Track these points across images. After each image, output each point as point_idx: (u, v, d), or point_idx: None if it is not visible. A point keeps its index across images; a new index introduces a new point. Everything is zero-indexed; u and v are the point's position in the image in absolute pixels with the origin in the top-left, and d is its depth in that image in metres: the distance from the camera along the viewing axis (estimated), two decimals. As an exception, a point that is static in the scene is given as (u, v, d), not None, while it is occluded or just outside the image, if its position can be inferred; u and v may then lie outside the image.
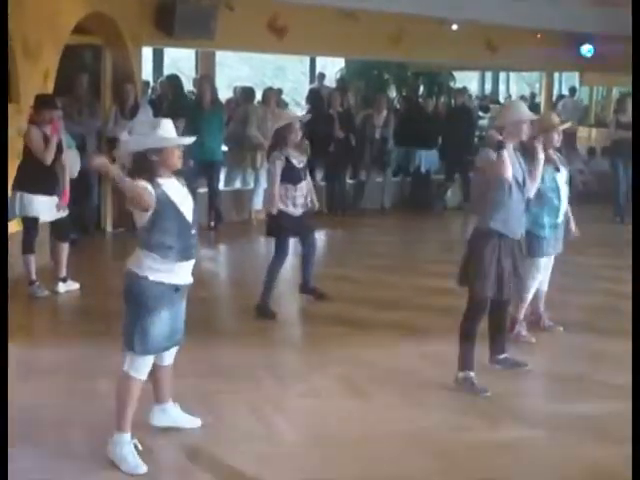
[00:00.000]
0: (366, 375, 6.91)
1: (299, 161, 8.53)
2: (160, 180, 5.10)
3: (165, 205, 5.08)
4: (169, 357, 5.51)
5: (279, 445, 5.63)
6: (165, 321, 5.20)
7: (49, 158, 8.70)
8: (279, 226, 8.53)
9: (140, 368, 5.23)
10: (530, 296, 7.78)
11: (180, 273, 5.23)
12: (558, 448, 5.69)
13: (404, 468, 5.35)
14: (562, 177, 7.68)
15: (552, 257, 7.87)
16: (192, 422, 5.76)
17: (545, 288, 8.00)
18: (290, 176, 8.43)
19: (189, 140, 5.30)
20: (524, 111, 6.59)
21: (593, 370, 7.19)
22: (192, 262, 5.31)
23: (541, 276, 7.75)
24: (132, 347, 5.18)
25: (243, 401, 6.31)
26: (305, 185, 8.61)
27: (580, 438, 5.83)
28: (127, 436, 5.22)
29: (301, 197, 8.54)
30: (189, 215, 5.23)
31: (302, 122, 8.76)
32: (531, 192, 6.78)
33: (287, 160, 8.39)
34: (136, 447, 5.22)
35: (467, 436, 5.81)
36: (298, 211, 8.53)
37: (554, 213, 7.63)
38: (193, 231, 5.28)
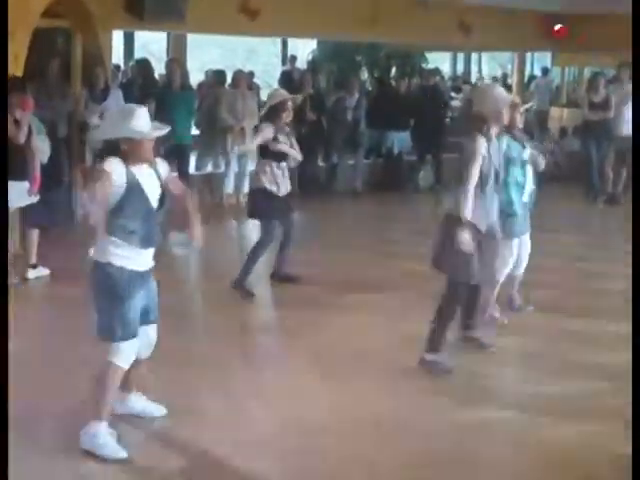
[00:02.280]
0: (338, 358, 6.93)
1: (284, 141, 8.52)
2: (130, 165, 5.07)
3: (133, 188, 5.05)
4: (148, 349, 5.48)
5: (252, 430, 5.63)
6: (138, 303, 5.19)
7: (22, 138, 8.66)
8: (263, 206, 8.51)
9: (123, 356, 5.21)
10: (502, 278, 7.79)
11: (140, 260, 5.20)
12: (529, 428, 5.73)
13: (376, 449, 5.38)
14: (527, 154, 7.68)
15: (527, 239, 7.88)
16: (157, 410, 5.74)
17: (520, 271, 7.99)
18: (275, 154, 8.43)
19: (162, 132, 5.24)
20: (502, 95, 6.57)
21: (564, 350, 7.23)
22: (152, 250, 5.28)
23: (513, 259, 7.74)
24: (113, 337, 5.15)
25: (215, 386, 6.32)
26: (288, 165, 8.63)
27: (551, 418, 5.88)
28: (105, 424, 5.22)
29: (283, 177, 8.54)
30: (155, 202, 5.21)
31: (294, 103, 8.76)
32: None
33: (275, 137, 8.40)
34: (111, 434, 5.24)
35: (438, 417, 5.85)
36: (281, 191, 8.52)
37: (520, 190, 7.62)
38: (158, 219, 5.26)
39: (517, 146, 7.50)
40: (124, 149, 5.03)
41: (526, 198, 7.69)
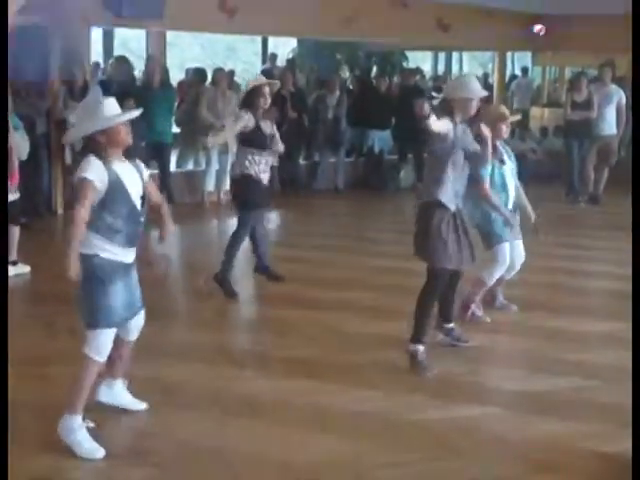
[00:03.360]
0: (319, 356, 6.89)
1: (266, 127, 8.39)
2: (112, 162, 5.04)
3: (116, 187, 5.04)
4: (135, 331, 5.47)
5: (234, 426, 5.59)
6: (122, 292, 5.18)
7: None
8: (247, 193, 8.40)
9: (100, 349, 5.17)
10: (490, 284, 7.77)
11: (125, 253, 5.20)
12: (512, 425, 5.71)
13: (358, 447, 5.33)
14: (508, 169, 7.65)
15: (519, 245, 7.85)
16: (137, 405, 5.72)
17: (510, 275, 7.96)
18: (257, 141, 8.32)
19: (132, 115, 5.21)
20: (475, 88, 6.51)
21: (546, 348, 7.22)
22: (134, 248, 5.27)
23: (504, 265, 7.69)
24: (96, 324, 5.12)
25: (196, 383, 6.28)
26: (269, 155, 8.48)
27: (534, 415, 5.87)
28: (79, 418, 5.17)
29: (264, 165, 8.42)
30: (137, 198, 5.17)
31: (272, 89, 8.63)
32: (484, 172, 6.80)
33: (256, 125, 8.28)
34: (88, 429, 5.19)
35: (420, 415, 5.81)
36: (262, 179, 8.42)
37: (503, 197, 7.58)
38: (141, 218, 5.23)
39: (496, 164, 7.46)
40: (102, 141, 5.02)
41: (510, 205, 7.65)
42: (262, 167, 8.40)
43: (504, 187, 7.59)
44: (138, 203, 5.18)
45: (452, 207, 6.48)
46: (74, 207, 5.06)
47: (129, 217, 5.13)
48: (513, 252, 7.72)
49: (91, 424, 5.24)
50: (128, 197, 5.11)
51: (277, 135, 8.58)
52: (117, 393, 5.67)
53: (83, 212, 4.97)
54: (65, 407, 5.18)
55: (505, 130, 7.57)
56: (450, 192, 6.43)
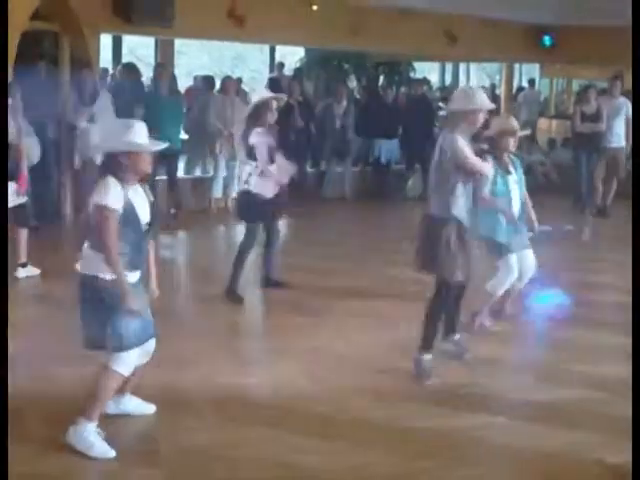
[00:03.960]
0: (324, 363, 6.90)
1: (270, 142, 8.39)
2: (127, 187, 5.07)
3: (128, 214, 5.07)
4: (146, 357, 5.46)
5: (240, 432, 5.60)
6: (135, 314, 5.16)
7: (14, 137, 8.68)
8: (249, 208, 8.43)
9: (124, 363, 5.20)
10: (498, 294, 7.76)
11: (128, 274, 5.18)
12: (518, 435, 5.71)
13: (365, 456, 5.34)
14: (513, 179, 7.64)
15: (529, 255, 7.85)
16: (146, 408, 5.74)
17: (521, 286, 7.94)
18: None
19: (160, 147, 5.25)
20: (482, 99, 6.48)
21: (554, 358, 7.22)
22: (139, 272, 5.28)
23: (512, 276, 7.70)
24: (113, 348, 5.15)
25: (202, 389, 6.28)
26: (275, 168, 8.45)
27: (540, 425, 5.86)
28: (94, 425, 5.20)
29: (270, 179, 8.40)
30: (145, 224, 5.19)
31: (279, 104, 8.63)
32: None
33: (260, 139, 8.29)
34: (98, 433, 5.22)
35: (427, 424, 5.81)
36: (268, 194, 8.41)
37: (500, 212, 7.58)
38: (146, 244, 5.27)
39: (501, 174, 7.47)
40: (124, 164, 5.05)
41: (515, 214, 7.65)
42: (266, 181, 8.38)
43: (507, 197, 7.57)
44: (144, 229, 5.21)
45: (466, 222, 6.48)
46: (101, 239, 5.03)
47: (135, 242, 5.15)
48: (523, 262, 7.69)
49: (101, 432, 5.25)
50: (138, 223, 5.15)
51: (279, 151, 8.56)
52: (125, 403, 5.67)
53: (112, 239, 4.99)
54: (81, 414, 5.20)
55: (513, 144, 7.57)
56: (463, 207, 6.45)
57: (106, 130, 5.26)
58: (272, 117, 8.37)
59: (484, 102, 6.49)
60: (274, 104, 8.39)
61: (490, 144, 7.06)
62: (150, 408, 5.76)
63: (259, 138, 8.30)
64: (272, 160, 8.42)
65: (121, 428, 5.54)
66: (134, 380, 5.58)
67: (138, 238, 5.16)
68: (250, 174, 8.36)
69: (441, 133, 6.63)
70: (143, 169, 5.14)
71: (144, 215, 5.19)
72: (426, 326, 6.65)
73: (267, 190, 8.43)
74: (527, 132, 8.58)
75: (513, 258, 7.62)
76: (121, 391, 5.57)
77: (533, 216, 7.80)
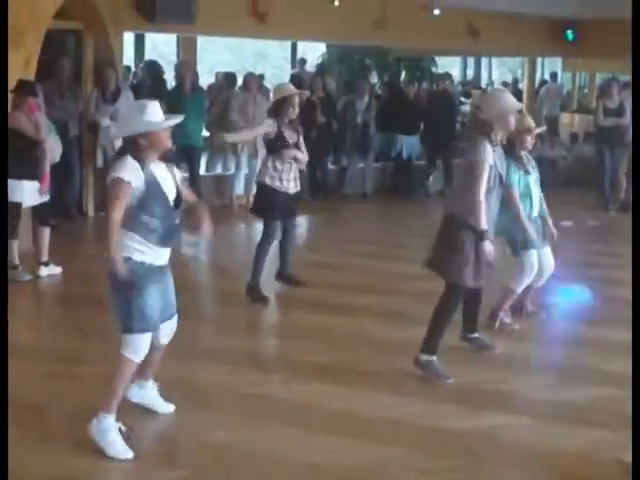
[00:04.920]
0: (346, 362, 6.91)
1: (289, 137, 8.38)
2: (148, 164, 5.13)
3: (152, 186, 5.12)
4: (168, 335, 5.51)
5: (260, 430, 5.62)
6: (156, 296, 5.23)
7: (43, 136, 8.79)
8: (266, 203, 8.42)
9: (137, 350, 5.24)
10: (518, 291, 7.77)
11: (158, 255, 5.25)
12: (541, 434, 5.70)
13: (385, 453, 5.35)
14: (533, 179, 7.65)
15: (548, 253, 7.85)
16: (165, 407, 5.77)
17: (539, 284, 7.97)
18: (280, 150, 8.32)
19: (175, 121, 5.30)
20: (510, 101, 6.51)
21: (577, 356, 7.20)
22: (169, 249, 5.32)
23: (532, 272, 7.70)
24: (130, 329, 5.20)
25: (223, 386, 6.32)
26: (294, 165, 8.45)
27: (563, 424, 5.85)
28: (112, 418, 5.23)
29: (288, 175, 8.42)
30: (172, 200, 5.24)
31: (301, 99, 8.64)
32: None
33: (280, 133, 8.29)
34: (120, 430, 5.24)
35: (448, 422, 5.81)
36: (285, 188, 8.40)
37: (527, 215, 7.58)
38: (176, 220, 5.29)
39: (521, 174, 7.48)
40: (142, 143, 5.10)
41: (535, 213, 7.66)
42: (284, 176, 8.40)
43: (529, 196, 7.58)
44: (173, 205, 5.24)
45: (485, 228, 6.43)
46: (106, 207, 5.13)
47: (165, 217, 5.19)
48: (541, 259, 7.72)
49: (123, 427, 5.27)
50: (165, 197, 5.19)
51: (302, 144, 8.56)
52: (147, 394, 5.72)
53: (117, 212, 5.03)
54: (99, 406, 5.23)
55: (530, 141, 7.57)
56: (485, 215, 6.43)
57: (121, 116, 5.30)
58: (293, 112, 8.38)
59: (514, 103, 6.54)
60: (297, 100, 8.41)
61: (508, 144, 7.06)
62: (169, 407, 5.79)
63: (269, 123, 8.34)
64: (291, 155, 8.42)
65: (140, 426, 5.56)
66: (156, 362, 5.59)
67: (167, 213, 5.20)
68: (272, 168, 8.36)
69: (472, 138, 6.64)
70: (163, 145, 5.20)
71: (170, 190, 5.24)
72: (431, 327, 6.62)
73: (287, 185, 8.44)
74: (543, 129, 8.55)
75: (534, 254, 7.62)
76: (144, 376, 5.62)
77: (549, 219, 7.81)
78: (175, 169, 5.42)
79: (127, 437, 5.23)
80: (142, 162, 5.11)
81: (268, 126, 8.32)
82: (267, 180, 8.37)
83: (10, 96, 8.82)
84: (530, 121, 7.67)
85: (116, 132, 5.35)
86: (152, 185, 5.11)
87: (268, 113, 8.62)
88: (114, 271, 5.07)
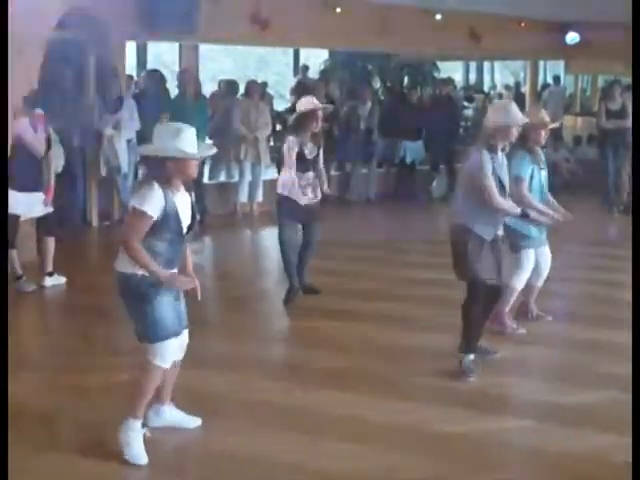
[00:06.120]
0: (354, 368, 6.90)
1: (310, 152, 8.39)
2: (172, 191, 5.10)
3: (170, 216, 5.10)
4: (181, 351, 5.48)
5: (268, 437, 5.61)
6: (168, 304, 5.23)
7: (42, 150, 8.78)
8: (283, 212, 8.45)
9: (164, 355, 5.24)
10: (519, 289, 7.77)
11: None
12: (546, 438, 5.68)
13: (392, 459, 5.34)
14: (544, 175, 7.68)
15: (546, 251, 7.87)
16: (192, 422, 5.70)
17: (540, 283, 7.98)
18: (298, 165, 8.32)
19: (209, 153, 5.29)
20: (515, 114, 6.58)
21: (582, 360, 7.19)
22: (174, 269, 5.30)
23: (530, 269, 7.72)
24: (149, 340, 5.21)
25: (231, 394, 6.31)
26: (312, 175, 8.45)
27: (569, 428, 5.83)
28: (139, 423, 5.25)
29: (307, 186, 8.41)
30: (185, 226, 5.24)
31: (325, 114, 8.61)
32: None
33: (300, 148, 8.30)
34: (144, 437, 5.25)
35: (455, 427, 5.79)
36: (304, 200, 8.41)
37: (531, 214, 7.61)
38: (183, 245, 5.31)
39: (537, 169, 7.50)
40: (171, 169, 5.06)
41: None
42: (303, 189, 8.40)
43: (541, 193, 7.59)
44: (185, 231, 5.25)
45: (488, 237, 6.54)
46: (125, 231, 5.13)
47: (172, 242, 5.18)
48: (540, 258, 7.75)
49: (148, 433, 5.28)
50: (179, 224, 5.17)
51: (321, 157, 8.56)
52: (166, 416, 5.63)
53: (135, 243, 5.03)
54: (127, 411, 5.24)
55: (544, 136, 7.58)
56: (487, 221, 6.53)
57: (156, 133, 5.25)
58: (317, 126, 8.38)
59: (518, 117, 6.60)
60: (320, 114, 8.39)
61: (522, 138, 7.07)
62: (195, 421, 5.71)
63: (291, 146, 8.32)
64: (308, 169, 8.42)
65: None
66: (170, 383, 5.56)
67: (176, 239, 5.20)
68: (287, 180, 8.37)
69: (474, 147, 6.70)
70: (190, 174, 5.18)
71: (186, 218, 5.23)
72: (464, 326, 6.70)
73: (307, 196, 8.45)
74: (557, 124, 8.55)
75: (532, 253, 7.67)
76: (160, 399, 5.57)
77: (560, 208, 7.83)
78: (192, 196, 5.39)
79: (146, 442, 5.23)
80: (166, 188, 5.07)
81: (295, 149, 8.27)
82: (283, 191, 8.39)
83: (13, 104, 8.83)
84: (545, 115, 7.68)
85: (147, 148, 5.30)
86: (171, 214, 5.09)
87: (290, 128, 8.58)
88: (160, 284, 5.09)
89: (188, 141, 5.12)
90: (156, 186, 5.05)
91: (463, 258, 6.55)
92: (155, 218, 5.04)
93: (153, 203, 5.02)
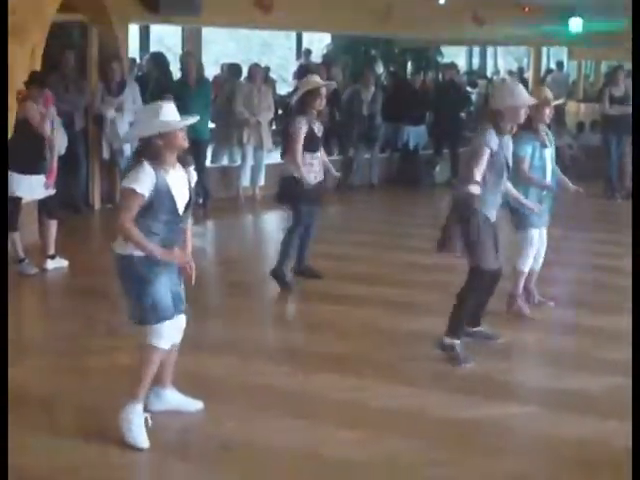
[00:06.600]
0: (355, 352, 6.89)
1: (318, 130, 8.43)
2: (166, 169, 5.11)
3: (162, 194, 5.10)
4: (179, 333, 5.46)
5: (269, 421, 5.61)
6: (165, 286, 5.23)
7: (49, 130, 8.77)
8: (294, 193, 8.40)
9: (162, 336, 5.24)
10: (527, 270, 7.77)
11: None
12: (548, 423, 5.68)
13: (394, 444, 5.34)
14: (549, 153, 7.67)
15: (544, 233, 7.86)
16: (192, 405, 5.70)
17: (538, 267, 7.99)
18: (309, 144, 8.33)
19: (191, 121, 5.29)
20: (524, 96, 6.55)
21: (584, 345, 7.18)
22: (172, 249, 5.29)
23: (534, 250, 7.73)
24: (147, 321, 5.21)
25: (231, 378, 6.31)
26: (321, 155, 8.51)
27: (570, 413, 5.83)
28: (140, 407, 5.25)
29: (317, 166, 8.44)
30: (182, 206, 5.23)
31: (328, 91, 8.63)
32: None
33: (309, 127, 8.30)
34: (145, 420, 5.24)
35: (456, 412, 5.80)
36: (313, 180, 8.41)
37: (539, 188, 7.63)
38: (181, 224, 5.30)
39: (538, 146, 7.49)
40: (159, 144, 5.08)
41: (545, 191, 7.68)
42: (314, 168, 8.40)
43: (543, 170, 7.59)
44: (181, 210, 5.24)
45: (492, 217, 6.53)
46: (118, 213, 5.12)
47: (168, 222, 5.19)
48: (538, 240, 7.76)
49: (150, 418, 5.27)
50: (173, 204, 5.17)
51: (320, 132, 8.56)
52: (168, 399, 5.63)
53: (128, 222, 5.04)
54: (129, 395, 5.23)
55: (548, 114, 7.57)
56: (489, 201, 6.51)
57: (136, 117, 5.27)
58: (321, 104, 8.40)
59: (526, 98, 6.57)
60: (324, 91, 8.39)
61: (527, 118, 7.05)
62: (197, 404, 5.71)
63: (301, 125, 8.31)
64: (318, 147, 8.45)
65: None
66: (170, 365, 5.56)
67: (172, 219, 5.20)
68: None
69: (480, 128, 6.67)
70: (179, 145, 5.17)
71: (181, 197, 5.23)
72: (455, 310, 6.67)
73: (315, 177, 8.44)
74: (561, 101, 8.52)
75: (536, 233, 7.67)
76: (160, 382, 5.56)
77: (569, 184, 7.93)
78: (193, 174, 5.40)
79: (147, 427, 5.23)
80: (158, 166, 5.09)
81: (304, 128, 8.26)
82: (293, 172, 8.37)
83: (18, 89, 8.81)
84: (549, 93, 7.68)
85: (131, 134, 5.31)
86: (164, 194, 5.09)
87: (295, 107, 8.57)
88: (154, 257, 5.10)
89: (169, 114, 5.15)
90: (146, 165, 5.07)
91: (466, 239, 6.49)
92: (146, 196, 5.04)
93: (142, 181, 5.04)
